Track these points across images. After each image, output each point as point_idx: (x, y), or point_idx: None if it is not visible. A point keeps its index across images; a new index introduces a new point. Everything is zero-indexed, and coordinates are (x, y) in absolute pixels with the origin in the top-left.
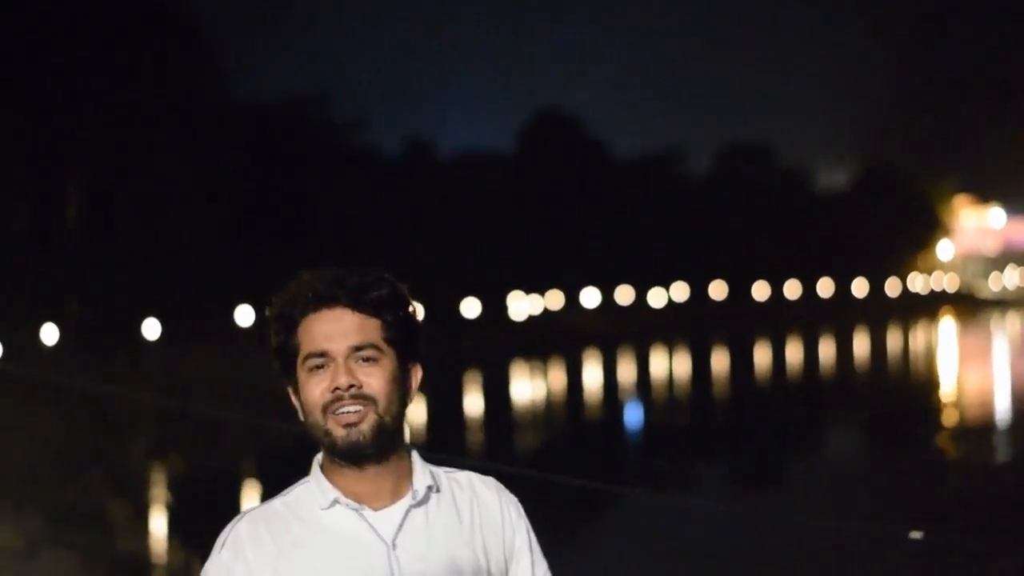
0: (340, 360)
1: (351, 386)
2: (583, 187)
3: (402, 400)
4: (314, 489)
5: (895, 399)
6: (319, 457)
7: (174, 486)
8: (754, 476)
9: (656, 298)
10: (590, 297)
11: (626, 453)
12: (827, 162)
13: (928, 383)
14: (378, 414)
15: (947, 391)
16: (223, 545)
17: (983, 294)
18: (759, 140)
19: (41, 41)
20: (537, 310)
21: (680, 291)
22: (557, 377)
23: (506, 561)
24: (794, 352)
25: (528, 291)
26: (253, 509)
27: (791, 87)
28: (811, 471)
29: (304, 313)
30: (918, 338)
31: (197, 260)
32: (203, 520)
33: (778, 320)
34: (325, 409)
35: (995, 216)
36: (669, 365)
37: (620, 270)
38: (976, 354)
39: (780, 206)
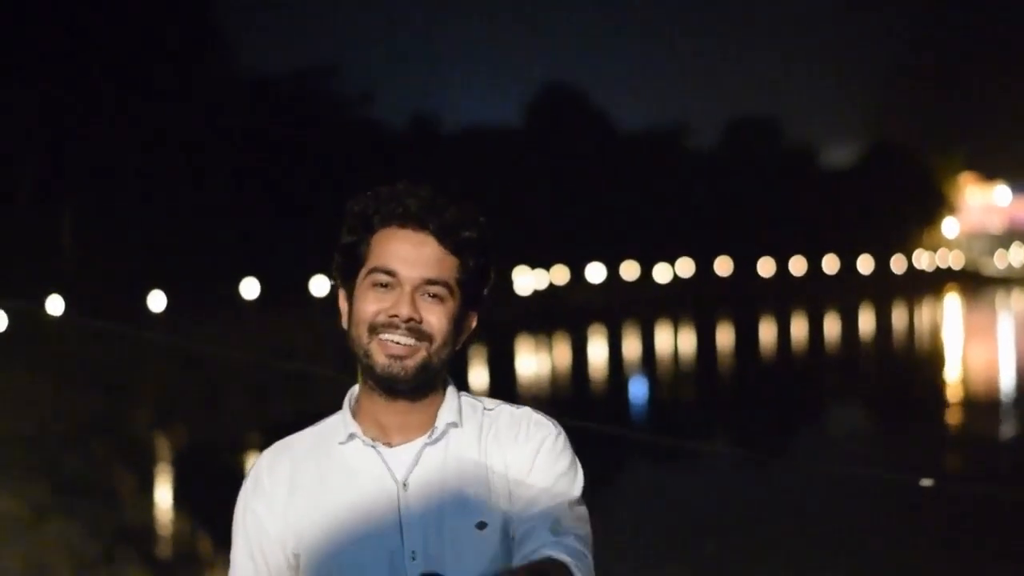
0: (408, 288)
1: (411, 319)
2: (589, 162)
3: (454, 344)
4: (336, 421)
5: (900, 374)
6: (352, 390)
7: (177, 456)
8: (764, 439)
9: (661, 274)
10: (595, 272)
11: (631, 425)
12: (833, 138)
13: (933, 359)
14: (429, 353)
15: (952, 367)
16: (248, 476)
17: (988, 271)
18: (766, 116)
19: (45, 12)
20: (542, 285)
21: (685, 267)
22: (562, 352)
23: (519, 491)
24: (799, 328)
25: (533, 266)
26: (282, 440)
27: (798, 63)
28: (821, 435)
29: (386, 223)
30: (923, 315)
31: (201, 232)
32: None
33: (783, 296)
34: (373, 329)
35: (1001, 194)
36: (674, 340)
37: (625, 245)
38: (981, 331)
39: (786, 182)
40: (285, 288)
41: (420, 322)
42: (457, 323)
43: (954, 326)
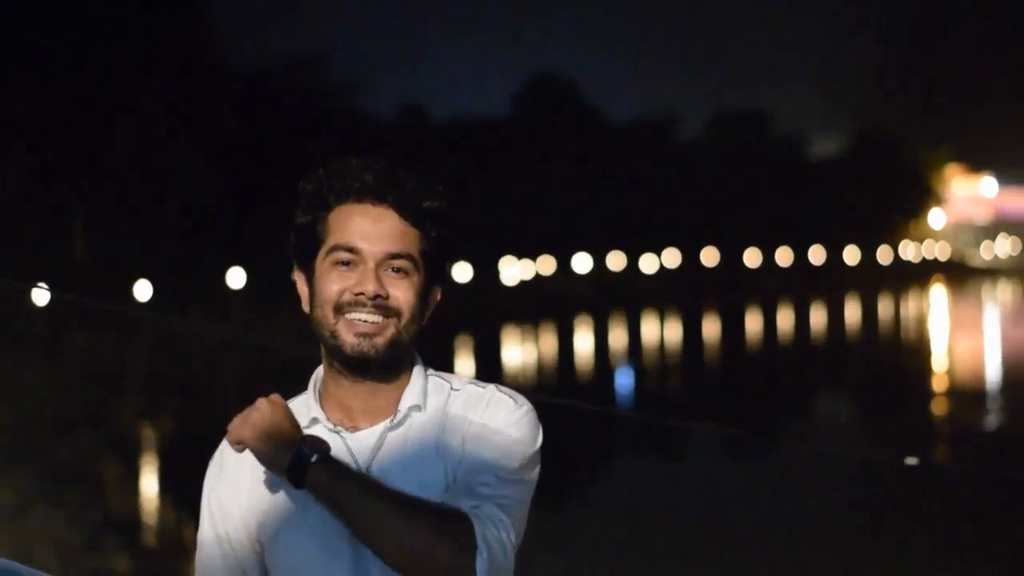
0: (371, 264)
1: (377, 296)
2: (576, 152)
3: (421, 318)
4: (298, 405)
5: (886, 364)
6: (317, 371)
7: (163, 448)
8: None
9: (648, 264)
10: (582, 263)
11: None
12: (820, 130)
13: (919, 349)
14: (398, 329)
15: (938, 357)
16: (213, 459)
17: (974, 263)
18: (753, 107)
19: (33, 6)
20: (529, 275)
21: (672, 257)
22: (548, 342)
23: (461, 461)
24: (785, 319)
25: (520, 256)
26: None
27: (785, 55)
28: (806, 420)
29: (343, 199)
30: (909, 306)
31: (188, 223)
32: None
33: (769, 287)
34: (339, 309)
35: (987, 185)
36: (660, 331)
37: (612, 236)
38: (966, 321)
39: (772, 173)
40: (271, 278)
41: (387, 298)
42: (423, 297)
43: (940, 317)
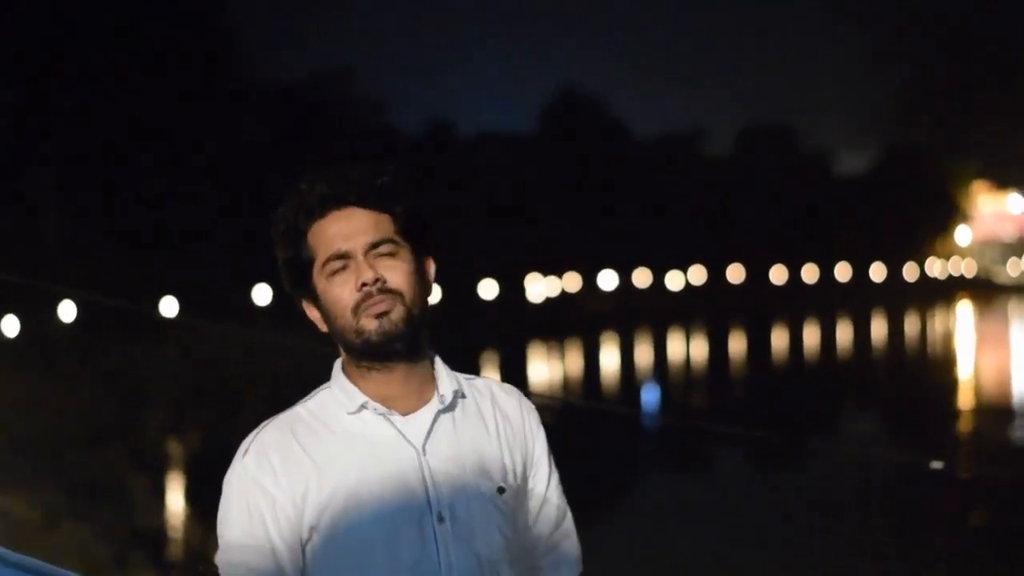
0: (360, 258)
1: (377, 280)
2: (602, 169)
3: (424, 293)
4: (338, 394)
5: (913, 381)
6: (340, 362)
7: (190, 462)
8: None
9: (674, 281)
10: (608, 279)
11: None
12: (846, 146)
13: (945, 366)
14: (405, 305)
15: (964, 374)
16: (246, 452)
17: (1000, 279)
18: (779, 123)
19: (62, 17)
20: (555, 292)
21: (698, 274)
22: (574, 359)
23: (524, 468)
24: (811, 336)
25: (546, 273)
26: (277, 417)
27: (812, 70)
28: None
29: (311, 219)
30: (935, 323)
31: (214, 238)
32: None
33: (795, 304)
34: (356, 308)
35: (1014, 202)
36: (686, 348)
37: (638, 253)
38: (993, 338)
39: (798, 189)
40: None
41: (386, 281)
42: (419, 273)
43: (966, 334)
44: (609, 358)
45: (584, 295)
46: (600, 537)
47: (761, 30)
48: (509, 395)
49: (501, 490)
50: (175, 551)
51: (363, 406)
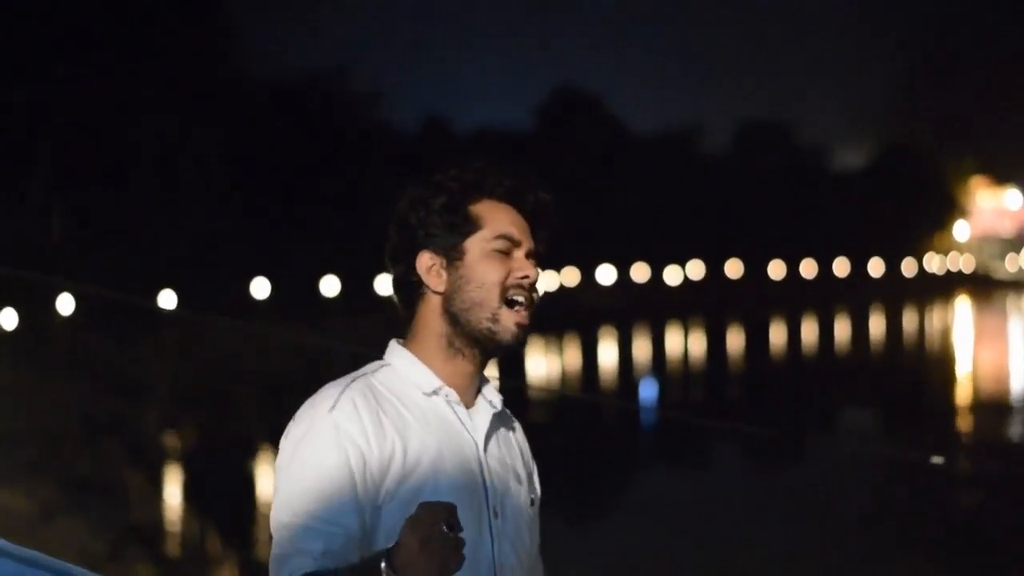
0: (523, 254)
1: (534, 281)
2: (600, 164)
3: None
4: (410, 373)
5: (911, 377)
6: (400, 343)
7: (188, 456)
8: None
9: (672, 276)
10: (606, 274)
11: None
12: (844, 141)
13: (943, 362)
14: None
15: (962, 369)
16: (334, 407)
17: (999, 275)
18: (777, 118)
19: (58, 15)
20: (553, 287)
21: (696, 269)
22: (572, 354)
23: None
24: (809, 331)
25: (544, 267)
26: (354, 379)
27: (809, 66)
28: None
29: (492, 194)
30: (933, 318)
31: (212, 233)
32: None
33: (793, 299)
34: (504, 292)
35: (1012, 198)
36: (685, 343)
37: (636, 247)
38: (991, 334)
39: (796, 185)
40: (295, 289)
41: (536, 289)
42: None
43: (964, 329)
44: (607, 353)
45: (582, 290)
46: (597, 532)
47: (759, 26)
48: (513, 419)
49: (532, 501)
50: (172, 545)
51: (436, 391)
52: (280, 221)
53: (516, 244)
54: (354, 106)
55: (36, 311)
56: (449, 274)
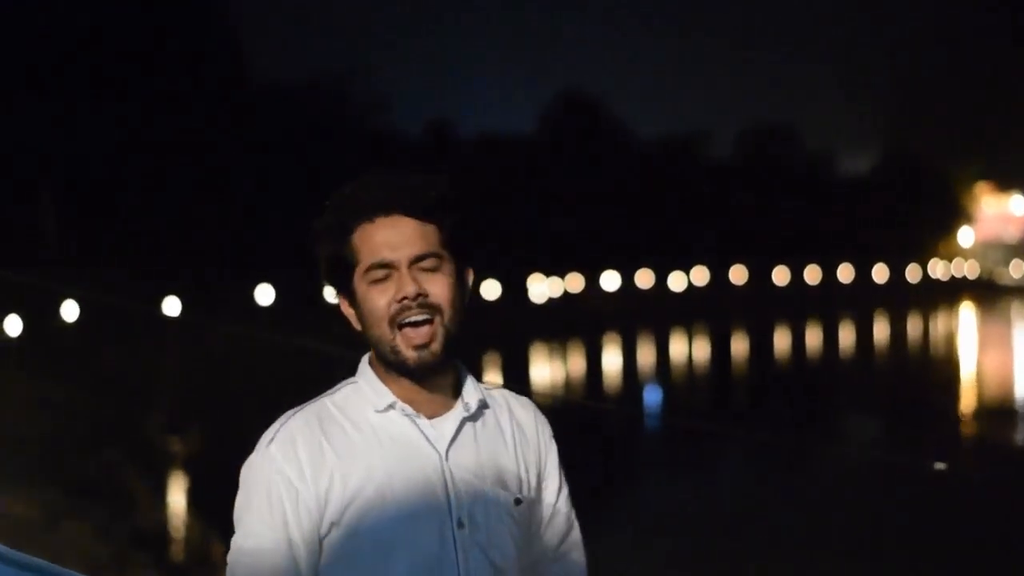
0: (403, 269)
1: (418, 295)
2: (604, 170)
3: (462, 306)
4: (366, 391)
5: (915, 382)
6: (368, 357)
7: (192, 462)
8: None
9: (676, 282)
10: (610, 280)
11: (645, 435)
12: (849, 147)
13: (948, 368)
14: (444, 325)
15: (967, 375)
16: (272, 440)
17: (1003, 281)
18: (781, 124)
19: (64, 20)
20: (557, 293)
21: (700, 275)
22: (576, 360)
23: (538, 480)
24: (814, 337)
25: (548, 274)
26: (303, 408)
27: (814, 71)
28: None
29: (359, 222)
30: (938, 324)
31: (216, 238)
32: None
33: (798, 305)
34: (392, 321)
35: (1017, 203)
36: (689, 349)
37: (640, 253)
38: (996, 340)
39: (801, 191)
40: (299, 295)
41: (427, 296)
42: (460, 286)
43: (969, 335)
44: (611, 359)
45: (587, 296)
46: (601, 538)
47: (764, 31)
48: (525, 408)
49: (518, 501)
50: (176, 551)
51: (391, 406)
52: (285, 227)
53: (390, 265)
54: (359, 112)
55: (40, 317)
56: (356, 311)
